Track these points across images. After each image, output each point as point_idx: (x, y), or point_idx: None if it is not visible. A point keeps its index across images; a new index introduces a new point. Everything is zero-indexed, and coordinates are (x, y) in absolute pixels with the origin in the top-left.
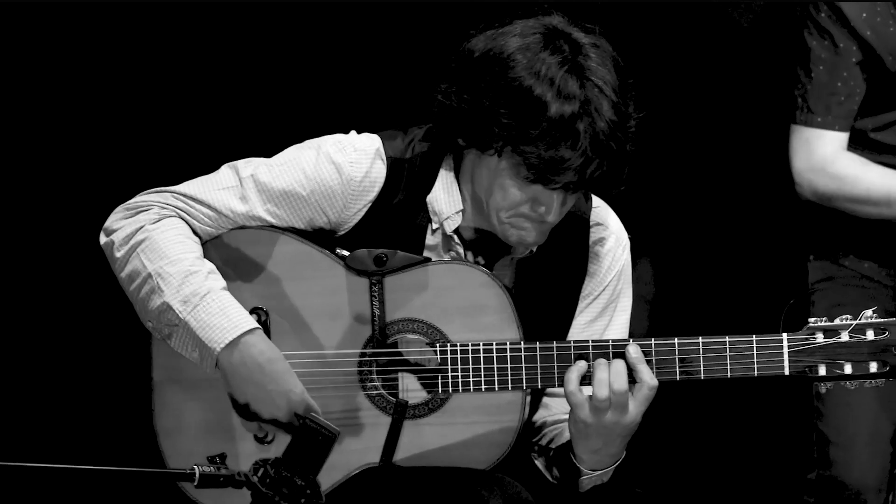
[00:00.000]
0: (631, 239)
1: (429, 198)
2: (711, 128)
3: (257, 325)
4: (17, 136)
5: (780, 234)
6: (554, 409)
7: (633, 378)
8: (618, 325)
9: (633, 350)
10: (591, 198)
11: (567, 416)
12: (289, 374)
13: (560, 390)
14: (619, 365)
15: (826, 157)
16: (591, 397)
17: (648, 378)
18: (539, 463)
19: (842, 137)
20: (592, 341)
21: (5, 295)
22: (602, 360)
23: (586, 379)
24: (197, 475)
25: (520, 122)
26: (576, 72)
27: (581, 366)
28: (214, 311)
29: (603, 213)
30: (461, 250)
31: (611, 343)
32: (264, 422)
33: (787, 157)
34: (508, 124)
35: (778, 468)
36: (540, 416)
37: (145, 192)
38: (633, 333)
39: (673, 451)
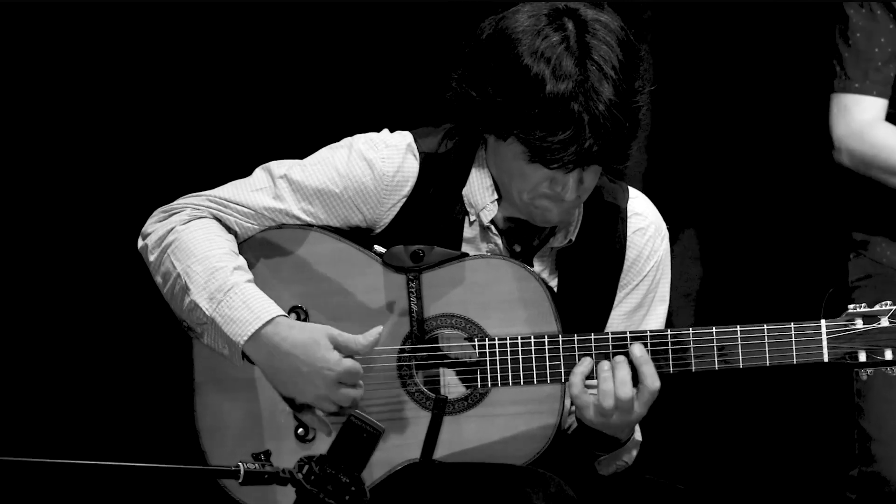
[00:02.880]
0: (669, 229)
1: (464, 191)
2: (751, 117)
3: (280, 312)
4: (56, 143)
5: (820, 225)
6: None
7: (637, 377)
8: (656, 316)
9: (638, 350)
10: (627, 189)
11: None
12: (318, 349)
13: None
14: (622, 373)
15: (864, 123)
16: (596, 399)
17: (651, 382)
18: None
19: (880, 104)
20: (630, 332)
21: (58, 295)
22: (606, 367)
23: (591, 375)
24: (242, 472)
25: (519, 104)
26: (575, 50)
27: (585, 365)
28: (237, 304)
29: (641, 203)
30: (499, 241)
31: (648, 334)
32: (306, 416)
33: (828, 127)
34: (509, 106)
35: (820, 465)
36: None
37: (183, 196)
38: (675, 326)
39: (713, 446)
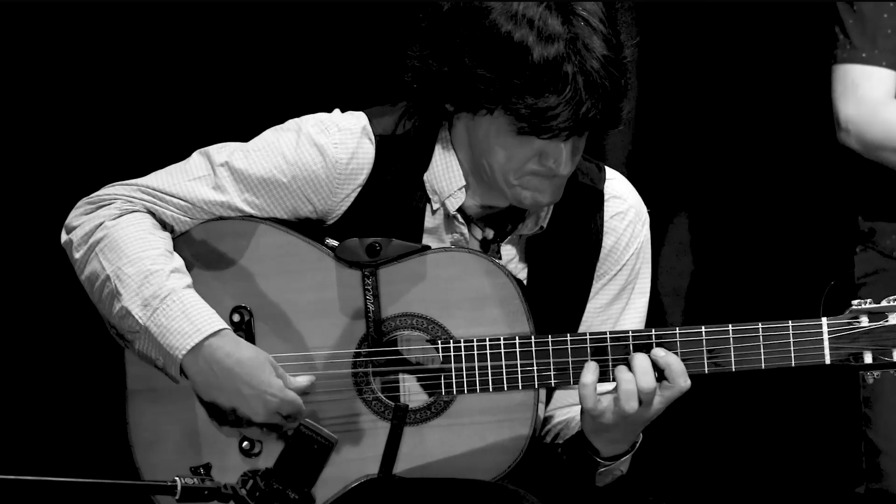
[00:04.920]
0: (651, 215)
1: (426, 176)
2: (744, 97)
3: (223, 325)
4: None
5: (821, 214)
6: (557, 399)
7: (661, 375)
8: (635, 310)
9: (661, 352)
10: (604, 169)
11: (574, 407)
12: (262, 372)
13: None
14: (644, 362)
15: (876, 101)
16: (615, 400)
17: (683, 382)
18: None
19: (891, 78)
20: (610, 333)
21: None
22: (624, 370)
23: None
24: (179, 488)
25: (503, 74)
26: (557, 7)
27: (592, 371)
28: (176, 314)
29: (619, 186)
30: (465, 231)
31: (630, 335)
32: (247, 429)
33: (830, 105)
34: (491, 78)
35: (823, 481)
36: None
37: (110, 184)
38: (661, 325)
39: (703, 460)
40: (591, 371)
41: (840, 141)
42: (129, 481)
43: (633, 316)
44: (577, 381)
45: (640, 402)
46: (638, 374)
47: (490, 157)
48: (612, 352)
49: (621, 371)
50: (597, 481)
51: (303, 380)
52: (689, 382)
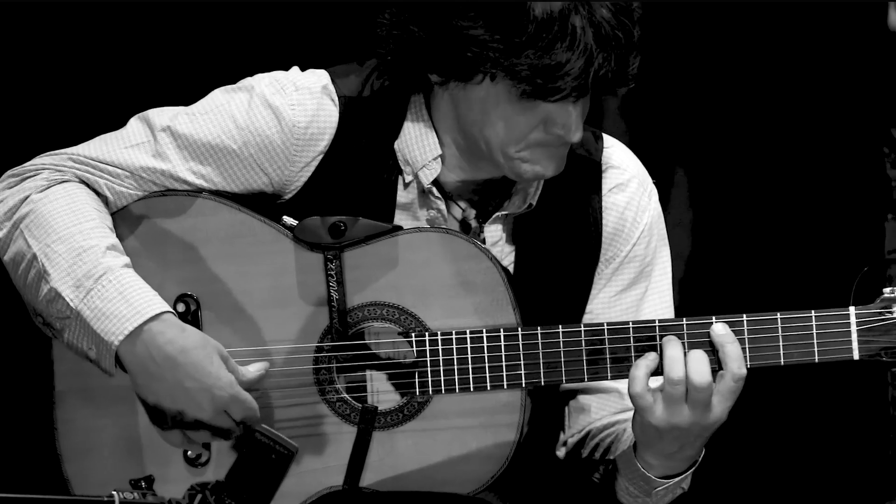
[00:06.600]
0: (657, 187)
1: (397, 144)
2: (751, 62)
3: (166, 308)
4: None
5: (847, 183)
6: (596, 411)
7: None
8: (658, 294)
9: (721, 328)
10: (601, 136)
11: (619, 418)
12: (210, 364)
13: (602, 385)
14: (696, 354)
15: None
16: (661, 392)
17: (736, 367)
18: (596, 478)
19: None
20: (608, 324)
21: None
22: (673, 340)
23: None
24: (117, 502)
25: (503, 33)
26: None
27: (650, 359)
28: (112, 295)
29: (618, 154)
30: (443, 207)
31: (631, 327)
32: (192, 433)
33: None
34: (487, 40)
35: (847, 495)
36: (579, 423)
37: (39, 156)
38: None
39: (717, 474)
40: (648, 357)
41: (891, 26)
42: (58, 496)
43: (656, 302)
44: (569, 380)
45: (690, 399)
46: (691, 363)
47: (486, 128)
48: (610, 344)
49: (670, 347)
50: (652, 500)
51: (256, 368)
52: (743, 369)
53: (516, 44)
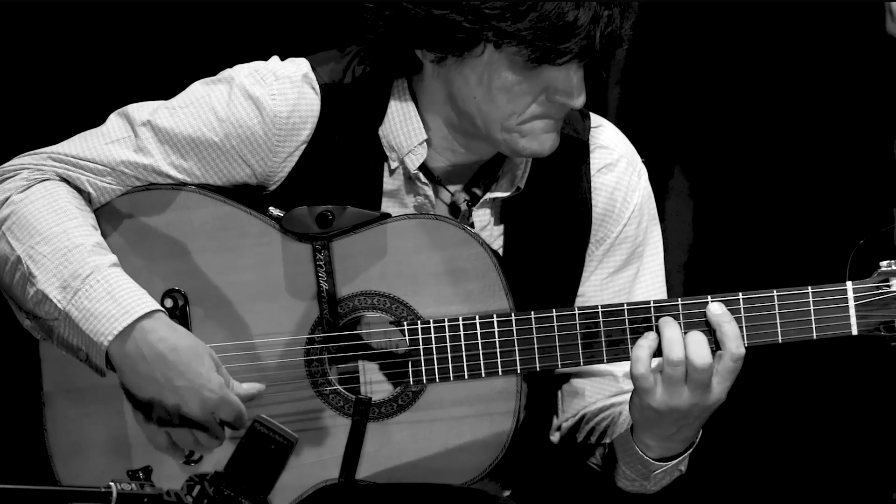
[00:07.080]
0: (652, 177)
1: (381, 130)
2: (750, 44)
3: (156, 307)
4: None
5: (843, 162)
6: (590, 395)
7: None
8: (651, 275)
9: (718, 307)
10: (589, 116)
11: (614, 401)
12: (200, 364)
13: (596, 368)
14: (696, 335)
15: None
16: (660, 374)
17: (734, 346)
18: (593, 463)
19: None
20: (602, 307)
21: None
22: (670, 321)
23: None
24: (114, 494)
25: None
26: None
27: (651, 339)
28: (100, 294)
29: (607, 134)
30: (430, 193)
31: (626, 308)
32: (175, 428)
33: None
34: (484, 8)
35: (852, 484)
36: (573, 407)
37: (19, 156)
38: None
39: (718, 464)
40: (649, 337)
41: (889, 31)
42: (54, 487)
43: (648, 282)
44: (564, 364)
45: (690, 380)
46: (690, 345)
47: (486, 102)
48: (605, 327)
49: (667, 327)
50: (650, 484)
51: (250, 385)
52: (742, 348)
53: (518, 9)
